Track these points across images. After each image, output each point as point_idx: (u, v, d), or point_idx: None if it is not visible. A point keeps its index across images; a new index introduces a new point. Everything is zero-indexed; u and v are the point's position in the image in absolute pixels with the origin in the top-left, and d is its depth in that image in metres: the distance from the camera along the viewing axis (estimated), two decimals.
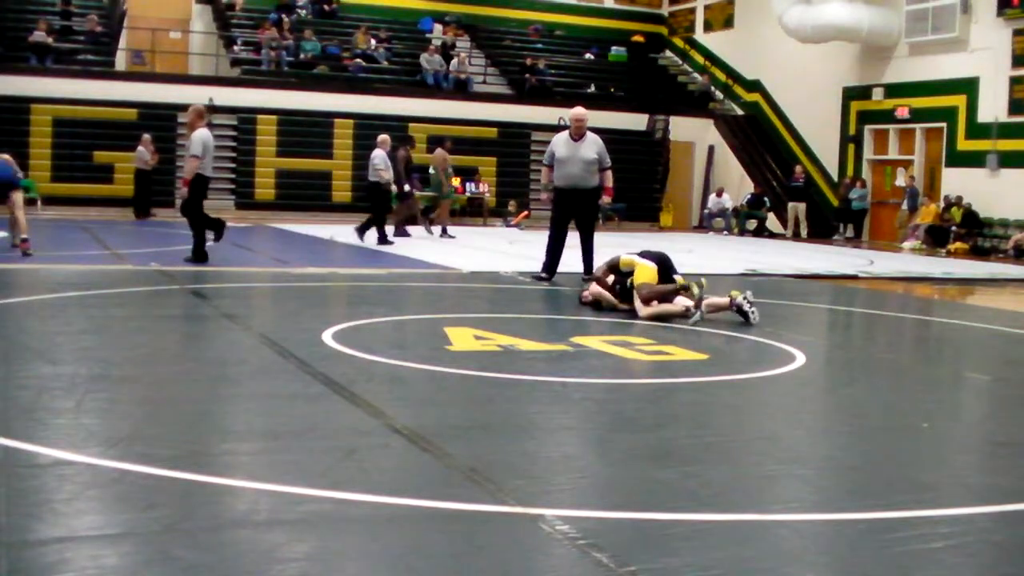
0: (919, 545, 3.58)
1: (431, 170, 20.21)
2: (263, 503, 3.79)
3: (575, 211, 11.84)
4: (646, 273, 9.04)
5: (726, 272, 14.34)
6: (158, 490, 3.88)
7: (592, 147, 11.67)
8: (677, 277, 9.18)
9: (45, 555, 3.22)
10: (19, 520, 3.47)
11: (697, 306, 8.80)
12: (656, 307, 8.94)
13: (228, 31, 26.92)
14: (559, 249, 11.91)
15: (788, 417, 5.77)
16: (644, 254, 9.30)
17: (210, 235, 13.02)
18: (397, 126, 24.90)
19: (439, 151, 19.88)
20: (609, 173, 11.87)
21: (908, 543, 3.59)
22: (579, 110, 11.98)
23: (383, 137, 17.82)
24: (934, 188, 23.45)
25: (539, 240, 18.31)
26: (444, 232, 19.41)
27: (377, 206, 17.22)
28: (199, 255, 12.59)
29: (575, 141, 11.68)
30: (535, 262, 12.64)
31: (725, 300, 8.94)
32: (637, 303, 9.04)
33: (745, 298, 8.83)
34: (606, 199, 11.94)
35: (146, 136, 22.05)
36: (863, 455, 4.91)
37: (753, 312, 8.81)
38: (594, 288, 9.59)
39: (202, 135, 12.58)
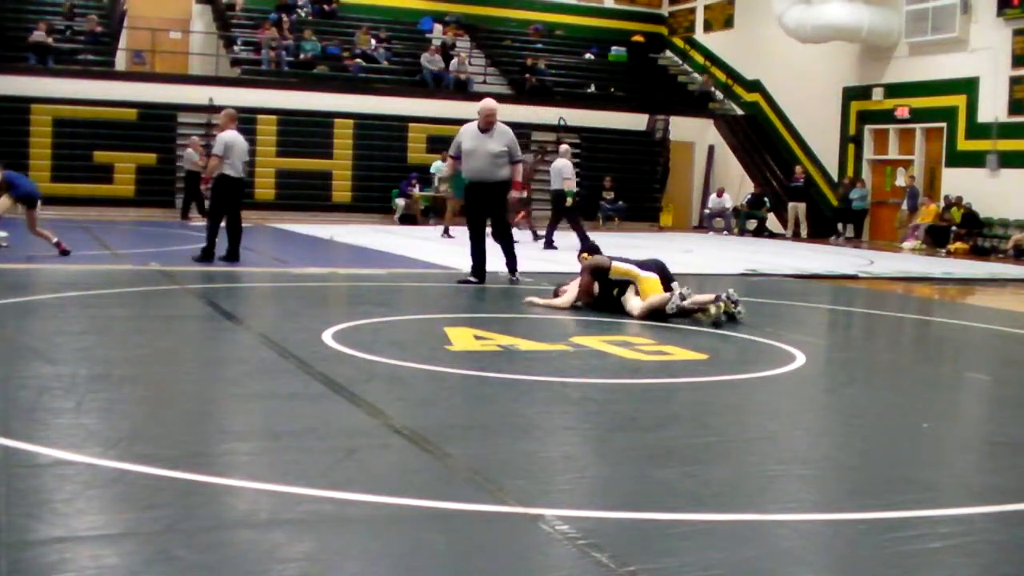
0: (919, 545, 3.58)
1: (439, 169, 20.15)
2: (263, 503, 3.79)
3: (484, 206, 11.35)
4: (654, 287, 9.04)
5: (726, 272, 14.34)
6: (158, 490, 3.88)
7: (500, 140, 11.18)
8: (674, 285, 9.16)
9: (45, 555, 3.22)
10: (19, 520, 3.47)
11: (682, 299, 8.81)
12: (647, 304, 9.01)
13: (228, 31, 26.92)
14: (480, 246, 11.45)
15: (788, 417, 5.77)
16: (643, 265, 9.27)
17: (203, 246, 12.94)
18: (397, 126, 24.97)
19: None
20: (519, 167, 11.42)
21: (908, 543, 3.59)
22: (488, 102, 11.47)
23: (565, 147, 18.55)
24: (934, 188, 23.45)
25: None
26: (446, 232, 19.45)
27: (560, 212, 17.70)
28: (207, 255, 12.59)
29: (483, 133, 11.21)
30: (535, 261, 12.64)
31: (710, 296, 8.97)
32: (631, 306, 9.08)
33: (728, 297, 8.88)
34: (514, 193, 11.51)
35: (194, 138, 22.00)
36: (863, 455, 4.90)
37: (739, 311, 8.87)
38: (558, 299, 9.61)
39: (226, 136, 12.74)
